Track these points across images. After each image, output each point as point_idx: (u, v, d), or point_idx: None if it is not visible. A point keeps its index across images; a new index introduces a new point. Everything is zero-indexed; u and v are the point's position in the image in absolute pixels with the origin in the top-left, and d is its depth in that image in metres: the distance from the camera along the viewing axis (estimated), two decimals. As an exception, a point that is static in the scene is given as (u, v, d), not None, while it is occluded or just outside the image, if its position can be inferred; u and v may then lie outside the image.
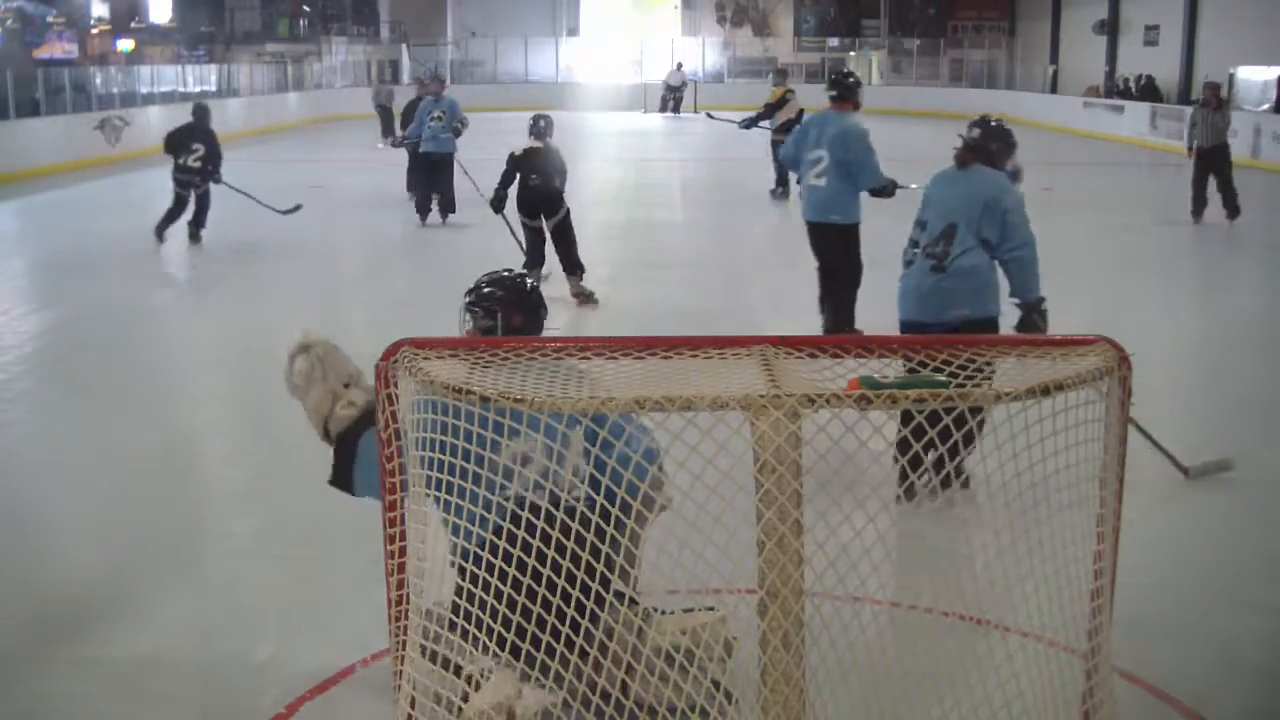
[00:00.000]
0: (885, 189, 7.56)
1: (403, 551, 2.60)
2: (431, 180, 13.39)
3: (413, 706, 2.61)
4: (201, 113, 13.17)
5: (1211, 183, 13.86)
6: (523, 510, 2.76)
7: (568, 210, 9.27)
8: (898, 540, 2.50)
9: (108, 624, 4.16)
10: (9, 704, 3.68)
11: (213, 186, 12.47)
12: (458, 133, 13.44)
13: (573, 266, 9.24)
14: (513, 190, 9.29)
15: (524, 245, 9.42)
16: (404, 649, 2.62)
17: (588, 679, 2.60)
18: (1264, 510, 5.34)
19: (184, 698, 3.70)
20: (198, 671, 3.86)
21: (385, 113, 22.44)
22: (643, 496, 2.67)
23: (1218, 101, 14.14)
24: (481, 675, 2.79)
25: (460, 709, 2.69)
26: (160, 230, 12.22)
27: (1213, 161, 13.94)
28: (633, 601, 3.00)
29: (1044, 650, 2.62)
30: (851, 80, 7.72)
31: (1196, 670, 3.83)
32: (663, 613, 2.98)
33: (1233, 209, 13.94)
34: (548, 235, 9.20)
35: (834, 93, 7.65)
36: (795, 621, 2.28)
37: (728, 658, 2.76)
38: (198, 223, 12.39)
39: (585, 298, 9.31)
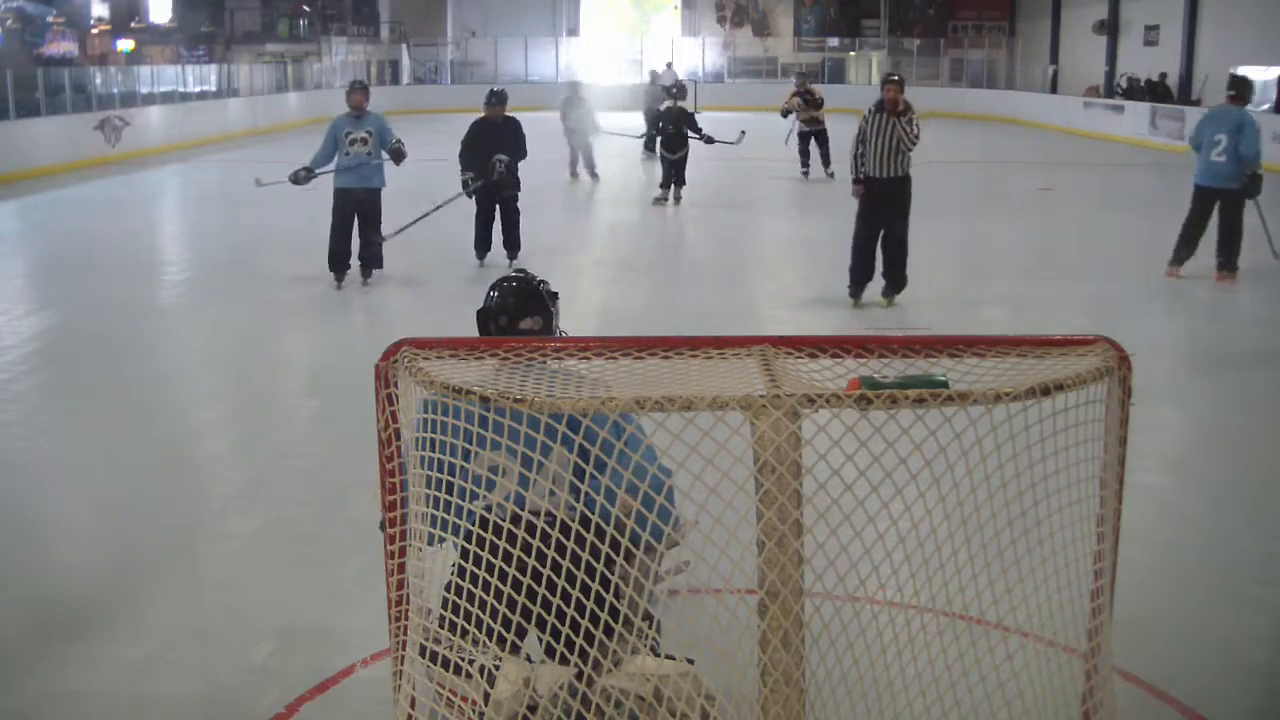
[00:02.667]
0: (1260, 172, 10.16)
1: (403, 553, 2.60)
2: (349, 225, 9.94)
3: (413, 706, 2.61)
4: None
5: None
6: (490, 516, 2.75)
7: (688, 150, 15.21)
8: (898, 540, 2.50)
9: (108, 624, 4.16)
10: (9, 703, 3.68)
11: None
12: (398, 156, 10.04)
13: (681, 182, 15.28)
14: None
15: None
16: (404, 649, 2.62)
17: (592, 664, 2.60)
18: (1264, 509, 5.34)
19: (184, 698, 3.70)
20: (198, 671, 3.86)
21: None
22: (650, 527, 2.60)
23: (902, 106, 8.80)
24: (494, 666, 2.79)
25: (483, 711, 2.69)
26: (575, 171, 17.59)
27: (891, 202, 8.91)
28: (656, 629, 2.93)
29: (1044, 650, 2.62)
30: (1248, 83, 10.92)
31: (1196, 670, 3.83)
32: (641, 652, 2.84)
33: (897, 281, 9.19)
34: (674, 166, 15.21)
35: (1233, 92, 10.49)
36: (795, 621, 2.28)
37: (710, 708, 2.67)
38: (585, 164, 17.45)
39: (677, 200, 15.31)
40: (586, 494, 2.62)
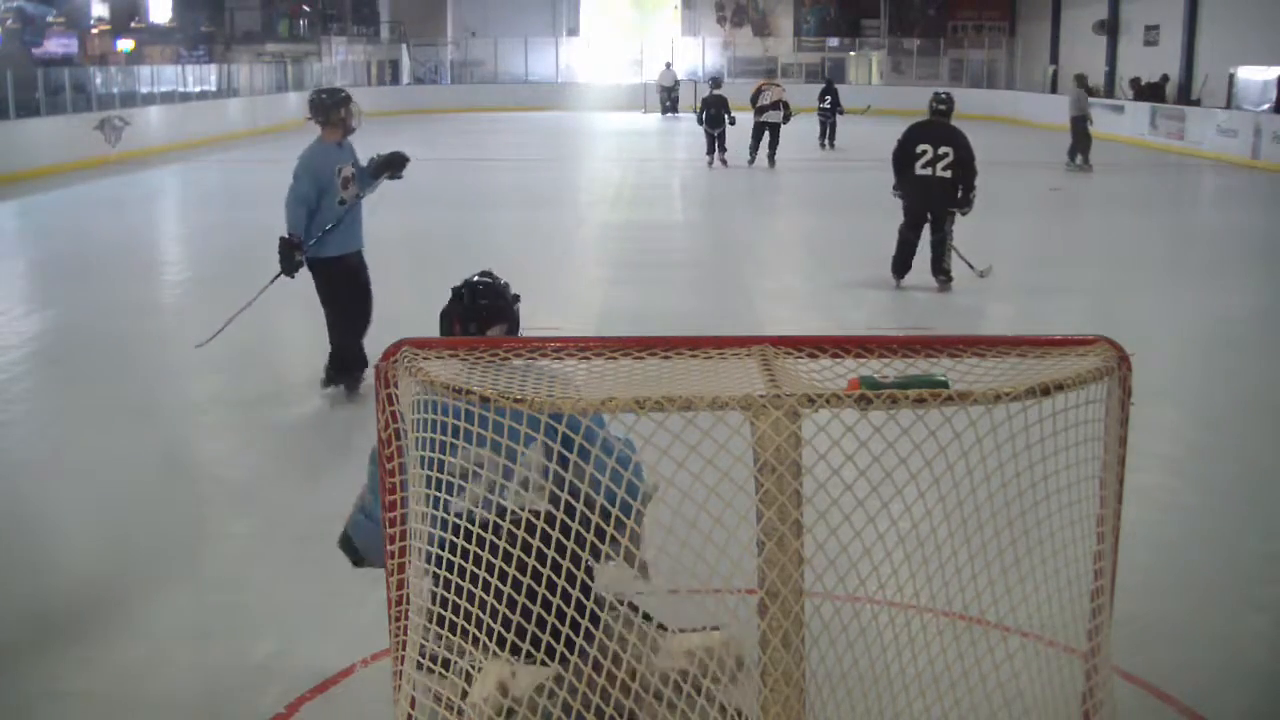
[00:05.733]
0: None
1: (403, 551, 2.60)
2: (345, 305, 6.94)
3: (413, 706, 2.62)
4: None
5: None
6: (462, 522, 2.76)
7: (724, 127, 19.76)
8: (898, 540, 2.50)
9: (108, 624, 4.16)
10: (9, 702, 3.69)
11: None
12: (399, 165, 7.05)
13: (723, 149, 19.99)
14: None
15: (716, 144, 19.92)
16: (404, 649, 2.62)
17: (574, 668, 2.60)
18: (1264, 510, 5.34)
19: (184, 698, 3.70)
20: (198, 671, 3.86)
21: None
22: (620, 503, 2.64)
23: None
24: (474, 668, 2.80)
25: (460, 710, 2.70)
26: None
27: None
28: (644, 615, 2.97)
29: (1044, 650, 2.62)
30: None
31: (1196, 670, 3.83)
32: (669, 631, 2.93)
33: None
34: (715, 138, 19.94)
35: None
36: (795, 621, 2.28)
37: (739, 674, 2.73)
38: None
39: (723, 163, 19.97)
40: (569, 484, 2.63)
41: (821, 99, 24.03)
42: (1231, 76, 24.31)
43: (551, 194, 16.80)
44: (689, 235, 13.98)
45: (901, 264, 10.06)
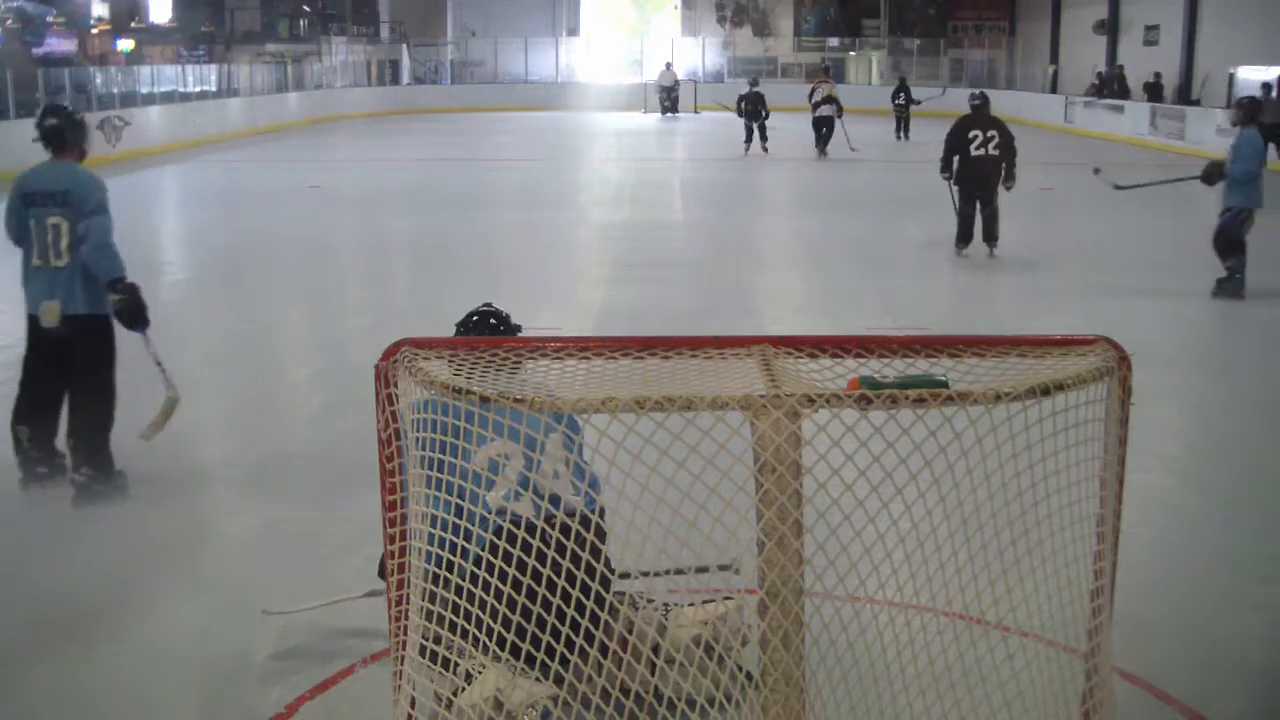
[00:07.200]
0: None
1: (403, 551, 2.60)
2: (56, 391, 5.47)
3: (413, 706, 2.62)
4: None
5: None
6: (504, 520, 2.77)
7: (762, 120, 21.65)
8: (898, 540, 2.50)
9: (108, 624, 4.16)
10: (9, 703, 3.68)
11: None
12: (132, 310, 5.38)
13: (764, 139, 21.70)
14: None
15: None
16: (404, 649, 2.63)
17: (587, 678, 2.60)
18: (1264, 509, 5.34)
19: (184, 698, 3.70)
20: (198, 671, 3.86)
21: None
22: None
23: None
24: (475, 670, 2.80)
25: (451, 703, 2.70)
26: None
27: None
28: (645, 599, 3.03)
29: (1044, 650, 2.62)
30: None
31: (1196, 670, 3.83)
32: (673, 606, 3.03)
33: None
34: (756, 128, 21.75)
35: None
36: (795, 621, 2.28)
37: (749, 637, 2.81)
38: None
39: (764, 150, 21.71)
40: (577, 479, 2.70)
41: (895, 96, 26.34)
42: (1231, 76, 24.31)
43: (552, 194, 16.80)
44: (689, 235, 13.97)
45: (964, 236, 11.44)
